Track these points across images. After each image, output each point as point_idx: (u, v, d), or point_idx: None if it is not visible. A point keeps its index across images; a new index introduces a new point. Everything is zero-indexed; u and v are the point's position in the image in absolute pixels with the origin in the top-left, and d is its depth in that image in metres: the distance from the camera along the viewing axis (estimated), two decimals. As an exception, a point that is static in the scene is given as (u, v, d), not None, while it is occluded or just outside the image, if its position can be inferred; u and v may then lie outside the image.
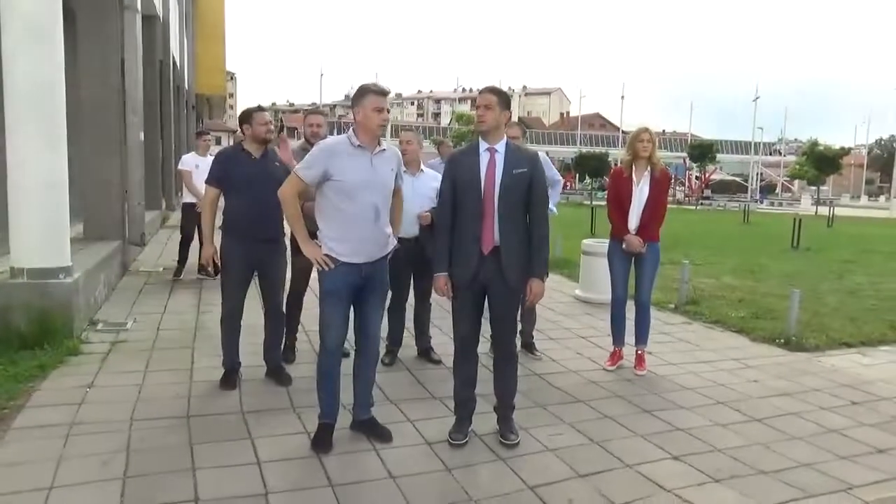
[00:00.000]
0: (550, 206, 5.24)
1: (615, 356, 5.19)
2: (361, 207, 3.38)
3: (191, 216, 8.13)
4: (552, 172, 5.37)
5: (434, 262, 3.62)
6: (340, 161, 3.35)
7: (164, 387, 4.30)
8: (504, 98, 3.56)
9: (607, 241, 7.79)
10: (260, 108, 4.43)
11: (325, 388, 3.56)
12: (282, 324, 4.64)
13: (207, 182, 4.38)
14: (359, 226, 3.40)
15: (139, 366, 4.74)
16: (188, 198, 8.28)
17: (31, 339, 4.87)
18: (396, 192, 3.65)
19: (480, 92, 3.56)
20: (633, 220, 4.93)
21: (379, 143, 3.48)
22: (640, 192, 4.88)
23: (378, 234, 3.48)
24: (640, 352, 5.09)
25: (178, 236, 8.57)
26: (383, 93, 3.40)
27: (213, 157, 5.41)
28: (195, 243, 8.09)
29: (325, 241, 3.44)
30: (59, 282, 5.17)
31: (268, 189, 4.21)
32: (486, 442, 3.66)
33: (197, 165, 8.08)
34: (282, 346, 4.74)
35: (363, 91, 3.38)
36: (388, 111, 3.45)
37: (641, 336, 5.09)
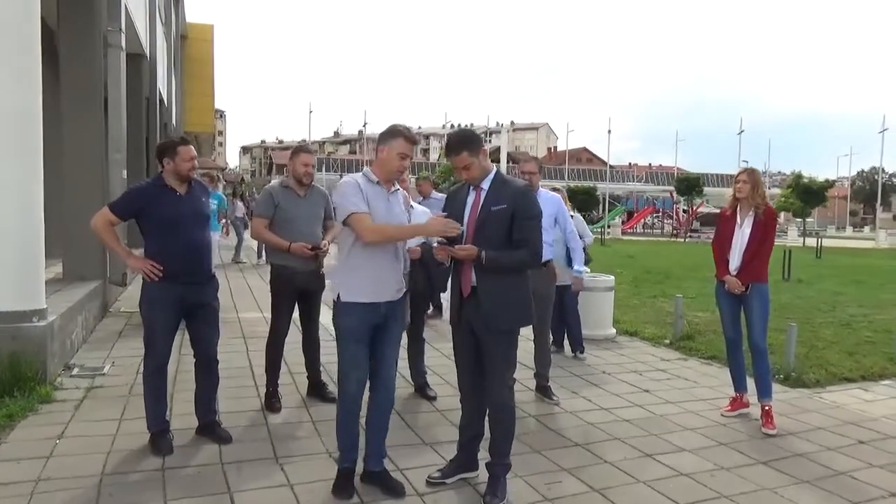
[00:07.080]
0: (577, 268, 5.35)
1: (735, 402, 4.94)
2: (382, 244, 3.29)
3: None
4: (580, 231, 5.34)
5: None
6: (366, 196, 3.27)
7: (138, 437, 4.04)
8: (474, 145, 3.33)
9: (604, 275, 7.77)
10: (184, 141, 4.02)
11: (342, 434, 3.39)
12: (215, 373, 4.21)
13: (111, 209, 3.92)
14: (378, 262, 3.28)
15: (114, 413, 4.51)
16: None
17: (1, 386, 4.63)
18: None
19: (449, 153, 3.37)
20: (734, 261, 4.75)
21: (393, 184, 3.45)
22: (742, 233, 4.72)
23: (397, 272, 3.39)
24: (766, 407, 4.66)
25: None
26: (414, 141, 3.36)
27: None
28: None
29: (342, 281, 3.29)
30: (32, 325, 4.95)
31: (197, 227, 3.94)
32: (479, 491, 3.45)
33: None
34: (217, 399, 4.27)
35: (396, 132, 3.31)
36: (411, 160, 3.43)
37: (762, 388, 4.71)
